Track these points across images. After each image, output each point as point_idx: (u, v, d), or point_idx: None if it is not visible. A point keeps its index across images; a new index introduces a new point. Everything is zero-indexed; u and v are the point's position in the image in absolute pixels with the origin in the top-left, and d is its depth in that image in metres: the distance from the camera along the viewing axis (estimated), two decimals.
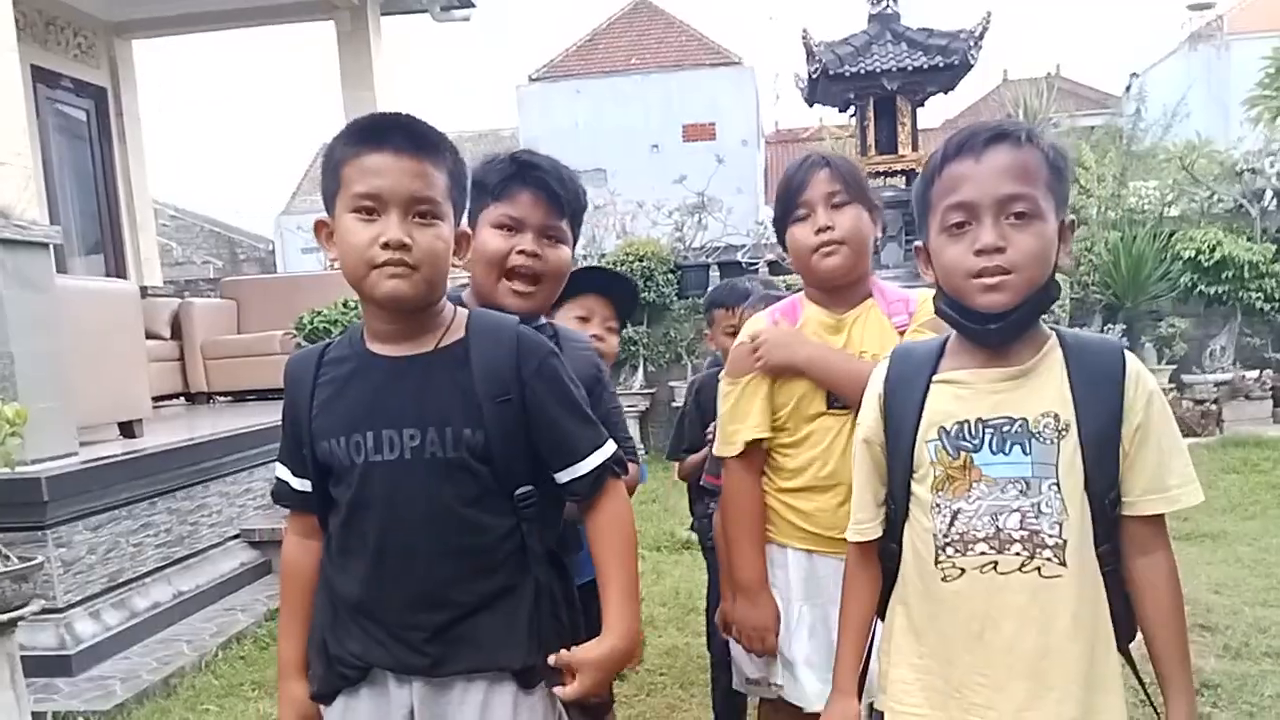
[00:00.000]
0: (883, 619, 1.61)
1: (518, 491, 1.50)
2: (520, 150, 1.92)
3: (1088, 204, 9.63)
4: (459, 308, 1.57)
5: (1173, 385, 8.80)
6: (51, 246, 4.39)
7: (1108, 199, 9.59)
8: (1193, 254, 8.85)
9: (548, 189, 1.85)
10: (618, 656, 1.50)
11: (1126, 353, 1.45)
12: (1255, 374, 8.90)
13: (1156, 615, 1.45)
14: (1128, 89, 17.35)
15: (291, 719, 1.61)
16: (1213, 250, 8.77)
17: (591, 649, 1.49)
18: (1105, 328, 8.54)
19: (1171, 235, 9.07)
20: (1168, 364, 8.89)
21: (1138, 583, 1.45)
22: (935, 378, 1.47)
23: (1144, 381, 1.42)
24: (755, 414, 2.06)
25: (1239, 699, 3.23)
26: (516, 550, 1.51)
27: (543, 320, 1.96)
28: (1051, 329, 1.47)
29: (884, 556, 1.57)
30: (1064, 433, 1.39)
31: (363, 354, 1.52)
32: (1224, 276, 8.78)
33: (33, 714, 3.33)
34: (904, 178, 8.37)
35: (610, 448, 1.57)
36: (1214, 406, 8.61)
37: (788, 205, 2.04)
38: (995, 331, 1.40)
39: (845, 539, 1.75)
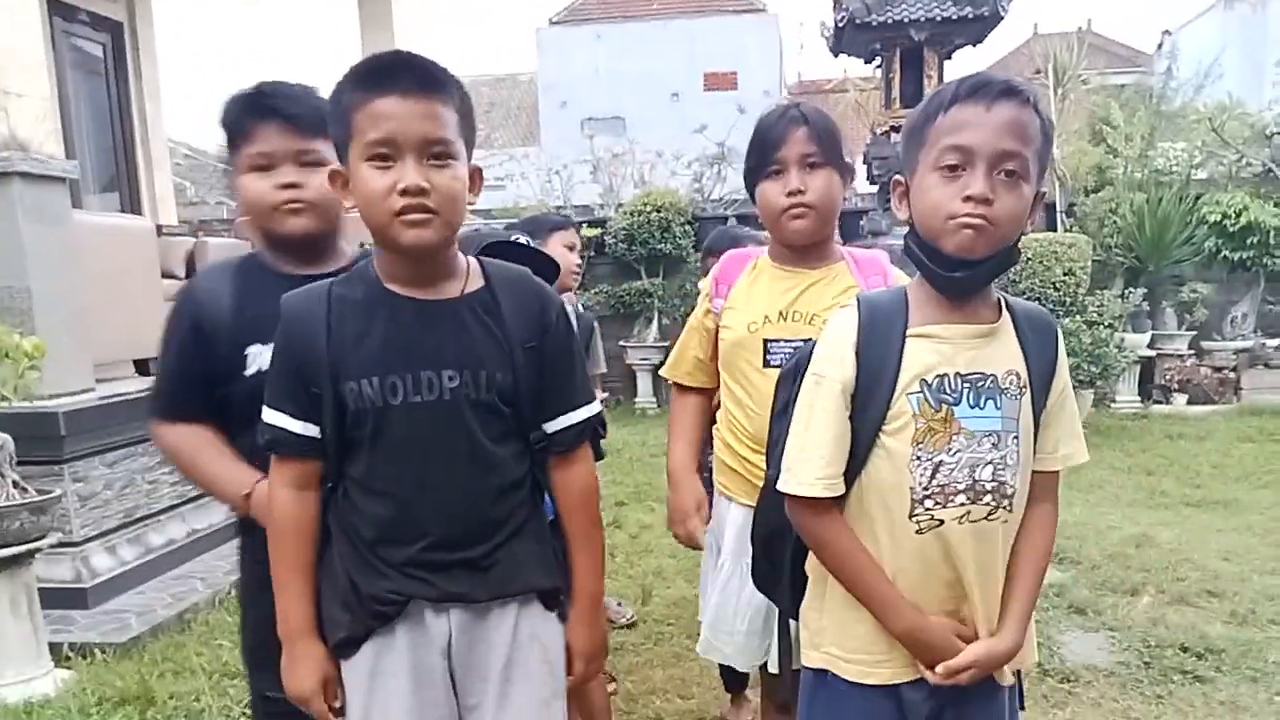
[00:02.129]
0: (799, 576, 1.65)
1: (532, 435, 1.57)
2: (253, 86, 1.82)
3: (1114, 164, 9.49)
4: (466, 256, 1.57)
5: (1192, 351, 8.73)
6: (69, 182, 4.38)
7: (1135, 160, 9.43)
8: (1218, 218, 8.72)
9: (283, 114, 1.74)
10: (601, 629, 1.68)
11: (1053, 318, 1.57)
12: (1276, 342, 8.82)
13: (1029, 554, 1.54)
14: (1160, 47, 17.05)
15: (313, 679, 1.53)
16: (1239, 215, 8.64)
17: (576, 633, 1.63)
18: (1126, 291, 8.45)
19: (1198, 198, 8.93)
20: (1188, 329, 8.81)
21: (1023, 525, 1.54)
22: (910, 331, 1.48)
23: (1063, 347, 1.55)
24: (675, 359, 2.30)
25: (1243, 664, 3.24)
26: (533, 486, 1.59)
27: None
28: (997, 293, 1.53)
29: None
30: (1023, 390, 1.48)
31: (387, 295, 1.50)
32: (1249, 242, 8.66)
33: (50, 645, 3.39)
34: None
35: (596, 408, 1.63)
36: (1232, 374, 8.55)
37: (762, 159, 2.04)
38: (959, 280, 1.44)
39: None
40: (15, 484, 3.25)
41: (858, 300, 1.56)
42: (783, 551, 1.66)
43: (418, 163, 1.41)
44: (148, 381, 5.05)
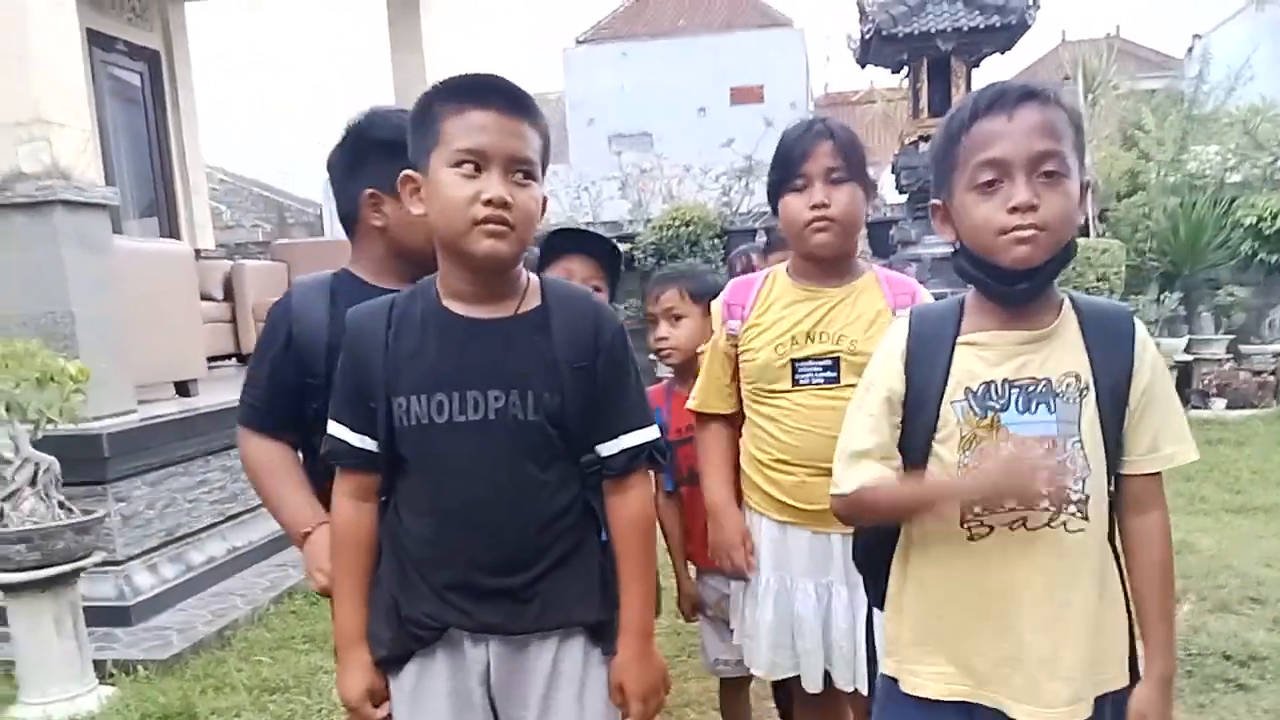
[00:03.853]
0: (881, 584, 1.62)
1: (584, 458, 1.54)
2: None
3: (1147, 169, 9.40)
4: (529, 273, 1.57)
5: (1230, 355, 8.61)
6: (109, 208, 4.48)
7: (1167, 164, 9.34)
8: (1254, 221, 8.62)
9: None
10: (656, 664, 1.59)
11: (1133, 315, 1.50)
12: None
13: (1146, 572, 1.49)
14: (1190, 50, 16.87)
15: (360, 687, 1.56)
16: (1275, 217, 8.53)
17: (626, 671, 1.55)
18: (1161, 296, 8.36)
19: (1232, 201, 8.83)
20: (1225, 334, 8.69)
21: (1131, 539, 1.50)
22: (960, 339, 1.47)
23: (1149, 344, 1.48)
24: (702, 386, 2.22)
25: None
26: (584, 513, 1.55)
27: None
28: (1063, 293, 1.49)
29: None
30: (1085, 392, 1.43)
31: (441, 312, 1.51)
32: None
33: (94, 662, 3.46)
34: None
35: (654, 434, 1.58)
36: (1271, 378, 8.42)
37: (787, 173, 2.06)
38: (1023, 291, 1.42)
39: (817, 511, 1.93)
40: (61, 504, 3.32)
41: (910, 312, 1.57)
42: (879, 568, 1.64)
43: (503, 177, 1.43)
44: (188, 403, 5.15)
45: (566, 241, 2.30)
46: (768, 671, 2.19)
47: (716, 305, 2.22)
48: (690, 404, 2.24)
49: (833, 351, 2.01)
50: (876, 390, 1.52)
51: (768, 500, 2.12)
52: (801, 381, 2.03)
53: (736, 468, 2.23)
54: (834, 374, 2.01)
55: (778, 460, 2.08)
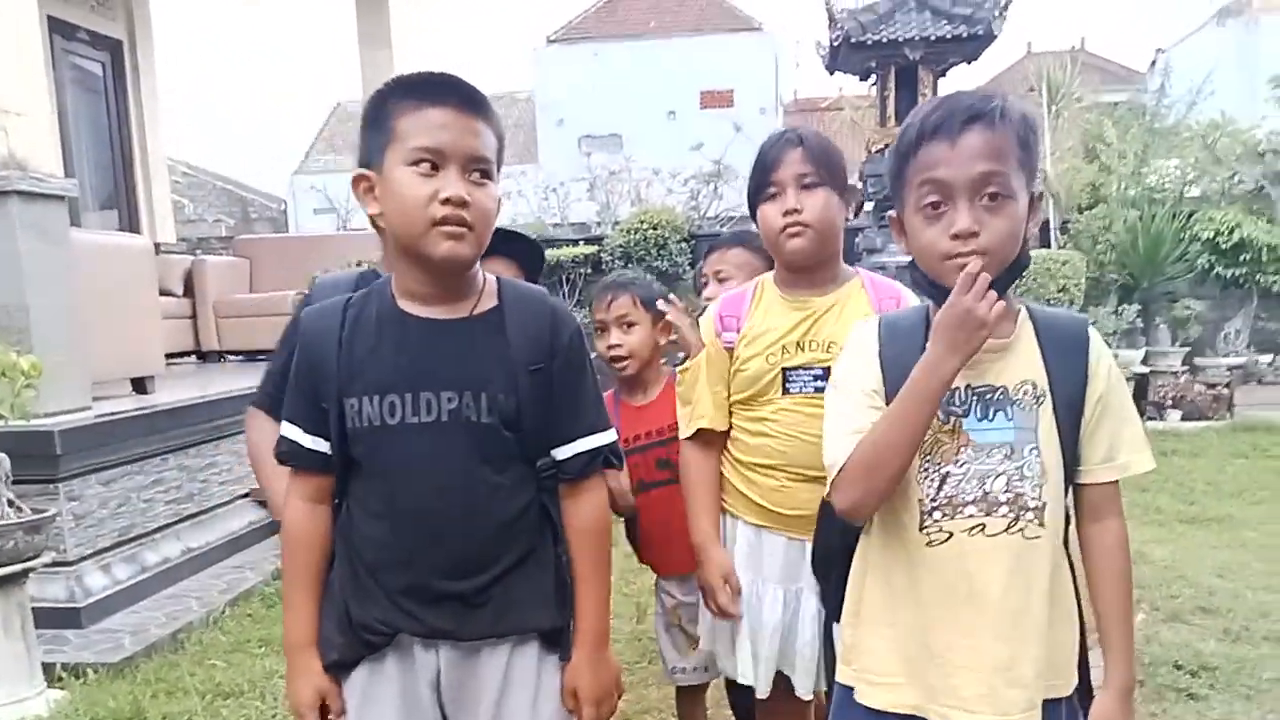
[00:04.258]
0: (838, 588, 1.62)
1: (540, 462, 1.52)
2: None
3: (1108, 181, 9.54)
4: (486, 273, 1.55)
5: (1186, 368, 8.76)
6: (68, 200, 4.40)
7: (1128, 177, 9.48)
8: (1211, 235, 8.79)
9: None
10: (610, 668, 1.58)
11: (1089, 326, 1.52)
12: (1269, 358, 8.87)
13: (1104, 580, 1.50)
14: (1153, 65, 17.17)
15: (309, 694, 1.53)
16: (1232, 232, 8.70)
17: (580, 675, 1.55)
18: (1120, 308, 8.48)
19: (1191, 215, 8.99)
20: (1181, 346, 8.84)
21: (1089, 548, 1.52)
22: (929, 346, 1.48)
23: (1104, 353, 1.49)
24: (703, 402, 2.13)
25: (1236, 682, 3.23)
26: (539, 518, 1.54)
27: None
28: (1020, 303, 1.51)
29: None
30: (1041, 400, 1.45)
31: (396, 313, 1.49)
32: (1242, 259, 8.73)
33: (42, 665, 3.39)
34: None
35: (611, 436, 1.57)
36: (1226, 390, 8.56)
37: (760, 181, 2.06)
38: None
39: (794, 516, 1.97)
40: (10, 503, 3.25)
41: (880, 320, 1.58)
42: (836, 576, 1.63)
43: (460, 176, 1.41)
44: (145, 400, 5.07)
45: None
46: (743, 678, 2.16)
47: (707, 319, 2.17)
48: (700, 423, 2.13)
49: (824, 360, 1.99)
50: (861, 382, 1.51)
51: (745, 503, 2.11)
52: (792, 390, 2.02)
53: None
54: (824, 383, 1.97)
55: (761, 465, 2.07)
